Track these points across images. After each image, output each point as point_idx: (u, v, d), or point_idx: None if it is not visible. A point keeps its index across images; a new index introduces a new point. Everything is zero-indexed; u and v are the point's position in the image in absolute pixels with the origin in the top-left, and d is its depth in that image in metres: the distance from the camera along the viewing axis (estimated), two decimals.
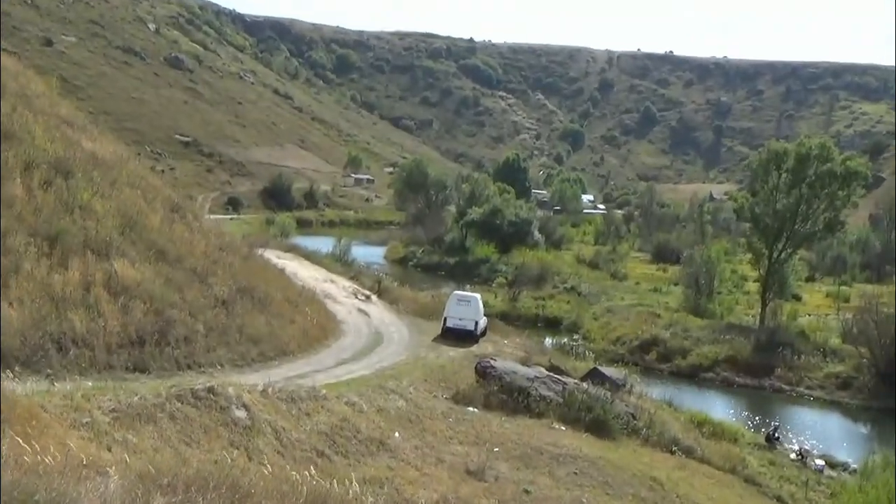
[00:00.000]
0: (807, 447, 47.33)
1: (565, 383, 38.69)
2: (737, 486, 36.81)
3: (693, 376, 66.90)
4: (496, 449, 29.37)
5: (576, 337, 75.22)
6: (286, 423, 24.75)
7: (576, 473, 28.72)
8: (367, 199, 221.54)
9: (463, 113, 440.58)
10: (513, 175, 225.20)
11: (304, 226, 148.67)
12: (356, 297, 57.85)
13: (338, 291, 57.80)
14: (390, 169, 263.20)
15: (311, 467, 19.58)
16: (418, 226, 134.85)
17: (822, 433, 53.58)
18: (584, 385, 39.23)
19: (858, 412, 61.60)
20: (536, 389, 37.19)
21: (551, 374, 40.45)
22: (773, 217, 78.53)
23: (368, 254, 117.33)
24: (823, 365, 66.47)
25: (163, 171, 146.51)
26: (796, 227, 78.58)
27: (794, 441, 49.07)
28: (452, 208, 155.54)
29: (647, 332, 72.44)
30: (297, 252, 72.21)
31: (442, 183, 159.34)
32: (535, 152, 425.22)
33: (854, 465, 45.80)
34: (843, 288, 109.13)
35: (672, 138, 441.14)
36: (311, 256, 71.76)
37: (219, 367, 30.89)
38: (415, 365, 39.81)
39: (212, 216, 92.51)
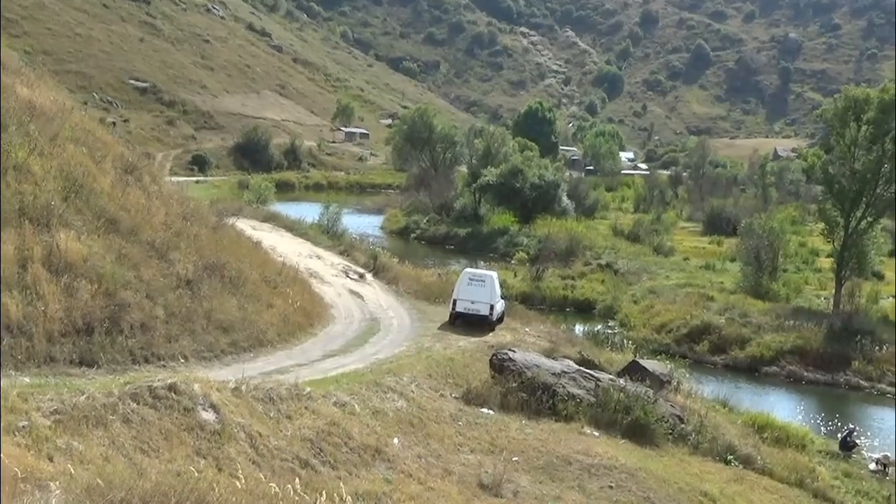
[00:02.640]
0: (889, 455, 47.34)
1: (598, 379, 38.75)
2: (804, 502, 36.89)
3: (753, 370, 66.92)
4: (515, 458, 29.49)
5: (611, 324, 75.34)
6: (263, 427, 24.86)
7: (611, 487, 28.84)
8: (360, 158, 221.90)
9: (476, 53, 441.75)
10: (536, 128, 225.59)
11: (284, 190, 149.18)
12: (347, 276, 57.98)
13: (325, 269, 57.91)
14: (388, 121, 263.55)
15: (294, 480, 19.70)
16: (422, 190, 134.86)
17: None
18: (622, 382, 39.26)
19: None
20: (564, 387, 37.27)
21: (582, 368, 40.49)
22: (851, 179, 78.22)
23: (362, 224, 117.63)
24: None
25: (114, 123, 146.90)
26: (878, 190, 78.28)
27: (874, 448, 49.07)
28: (463, 169, 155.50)
29: (697, 317, 72.40)
30: (276, 222, 72.37)
31: (450, 138, 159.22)
32: (564, 101, 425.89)
33: None
34: None
35: (729, 83, 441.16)
36: (293, 227, 71.91)
37: (182, 361, 31.00)
38: (417, 357, 39.87)
39: (174, 178, 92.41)
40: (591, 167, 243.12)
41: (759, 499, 34.20)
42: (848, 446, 47.76)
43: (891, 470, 45.71)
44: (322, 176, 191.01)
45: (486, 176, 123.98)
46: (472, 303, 49.53)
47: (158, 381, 24.31)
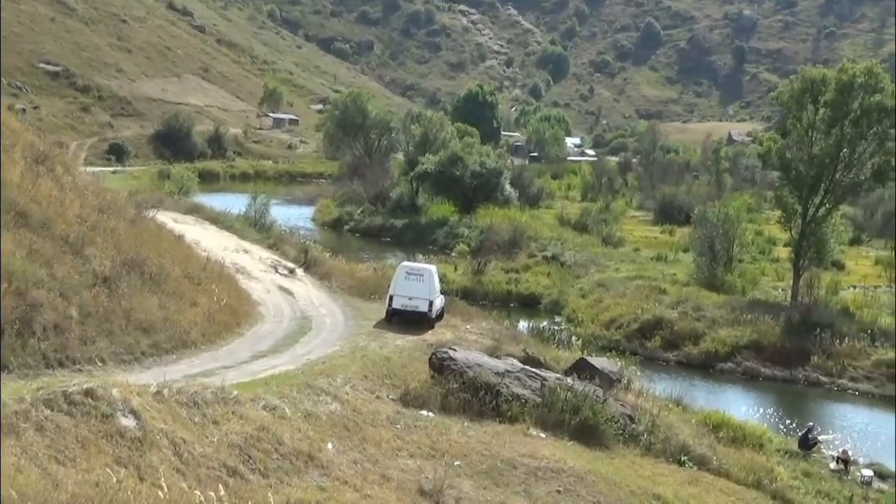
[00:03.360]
0: (850, 453, 47.88)
1: (545, 379, 38.91)
2: None
3: (707, 367, 67.49)
4: (457, 463, 29.56)
5: (558, 319, 75.63)
6: (187, 433, 24.75)
7: (559, 492, 28.98)
8: (289, 146, 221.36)
9: (413, 33, 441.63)
10: (477, 113, 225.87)
11: (208, 180, 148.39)
12: (277, 272, 57.85)
13: (253, 264, 57.75)
14: (319, 106, 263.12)
15: (220, 488, 19.66)
16: (356, 179, 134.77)
17: (871, 436, 54.19)
18: (569, 380, 39.44)
19: None
20: (508, 387, 37.38)
21: (527, 367, 40.65)
22: (809, 163, 78.97)
23: (292, 215, 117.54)
24: (872, 351, 67.25)
25: (24, 110, 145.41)
26: (837, 175, 79.09)
27: (834, 446, 49.60)
28: (400, 156, 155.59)
29: (648, 311, 72.88)
30: (199, 214, 72.05)
31: (386, 124, 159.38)
32: (506, 83, 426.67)
33: None
34: None
35: (680, 64, 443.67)
36: (218, 220, 71.61)
37: (99, 364, 30.81)
38: (352, 358, 39.85)
39: (89, 169, 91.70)
40: (536, 154, 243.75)
41: (714, 501, 34.51)
42: (808, 445, 48.27)
43: (852, 468, 46.28)
44: (249, 165, 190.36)
45: (423, 164, 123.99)
46: (410, 299, 49.48)
47: (74, 385, 24.12)
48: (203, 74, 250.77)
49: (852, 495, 41.26)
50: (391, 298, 49.77)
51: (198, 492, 17.82)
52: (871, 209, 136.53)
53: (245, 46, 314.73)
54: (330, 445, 28.14)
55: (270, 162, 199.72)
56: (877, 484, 44.91)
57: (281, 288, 53.66)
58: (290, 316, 47.67)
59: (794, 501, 38.85)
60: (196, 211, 73.36)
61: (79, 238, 35.88)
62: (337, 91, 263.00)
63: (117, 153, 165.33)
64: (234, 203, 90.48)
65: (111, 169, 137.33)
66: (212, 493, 15.86)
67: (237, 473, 23.85)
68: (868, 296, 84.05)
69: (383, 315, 49.85)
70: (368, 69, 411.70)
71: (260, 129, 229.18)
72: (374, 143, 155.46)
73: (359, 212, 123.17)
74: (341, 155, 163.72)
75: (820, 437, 50.31)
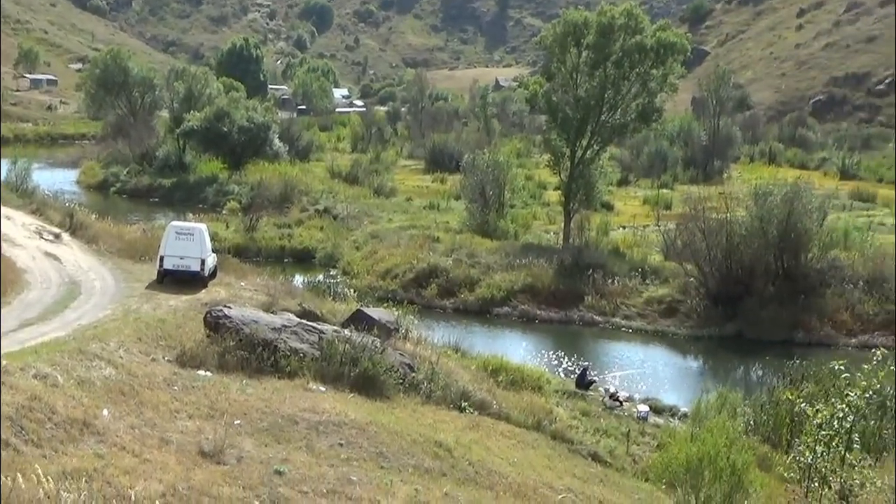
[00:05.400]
0: (618, 390, 49.16)
1: (322, 332, 38.88)
2: (543, 446, 37.92)
3: (484, 312, 68.39)
4: (237, 422, 29.37)
5: (333, 272, 75.63)
6: None
7: (341, 445, 29.03)
8: (49, 107, 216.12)
9: None
10: (242, 67, 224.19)
11: None
12: (41, 238, 56.44)
13: (16, 231, 56.21)
14: (79, 66, 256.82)
15: None
16: (120, 139, 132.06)
17: (645, 372, 55.78)
18: (347, 332, 39.49)
19: (687, 343, 64.52)
20: (285, 342, 37.26)
21: (303, 321, 40.56)
22: (575, 106, 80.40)
23: (55, 179, 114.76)
24: (643, 289, 69.19)
25: None
26: (603, 117, 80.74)
27: (610, 385, 50.82)
28: (165, 114, 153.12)
29: (423, 260, 73.37)
30: None
31: (149, 81, 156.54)
32: (270, 36, 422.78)
33: (684, 409, 47.87)
34: (664, 192, 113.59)
35: (445, 12, 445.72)
36: None
37: None
38: (125, 321, 39.18)
39: None
40: (304, 106, 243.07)
41: (496, 445, 34.99)
42: (584, 384, 49.32)
43: (627, 404, 47.55)
44: (7, 129, 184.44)
45: (189, 121, 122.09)
46: (181, 258, 48.91)
47: None
48: None
49: (629, 431, 42.28)
50: (162, 259, 49.14)
51: None
52: (638, 150, 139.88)
53: None
54: (105, 411, 27.64)
55: (29, 124, 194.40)
56: (652, 419, 46.22)
57: (47, 254, 52.33)
58: (57, 282, 46.59)
59: (573, 440, 39.60)
60: None
61: None
62: (96, 49, 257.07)
63: None
64: None
65: None
66: None
67: (9, 445, 23.27)
68: (637, 235, 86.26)
69: (155, 276, 49.22)
70: (128, 26, 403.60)
71: (17, 90, 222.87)
72: (137, 101, 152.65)
73: (125, 172, 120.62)
74: (104, 115, 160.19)
75: (600, 377, 51.65)
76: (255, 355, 36.09)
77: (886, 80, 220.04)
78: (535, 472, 32.95)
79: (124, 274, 50.53)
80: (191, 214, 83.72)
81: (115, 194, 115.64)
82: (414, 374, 38.97)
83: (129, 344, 35.25)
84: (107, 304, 42.76)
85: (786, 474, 25.57)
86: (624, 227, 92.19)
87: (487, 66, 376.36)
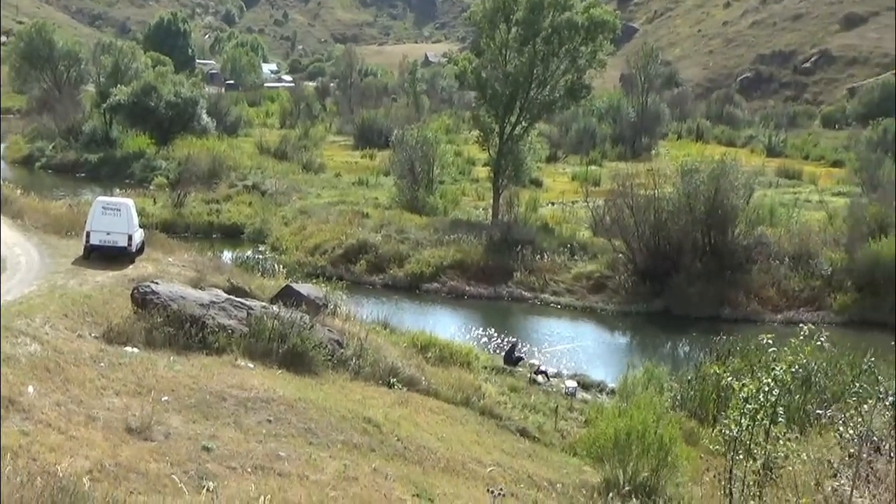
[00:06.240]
0: (546, 366, 49.48)
1: (250, 308, 38.75)
2: (472, 421, 38.06)
3: (413, 288, 68.50)
4: (165, 398, 29.21)
5: (262, 248, 75.42)
6: None
7: (269, 421, 28.98)
8: None
9: None
10: (170, 41, 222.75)
11: None
12: None
13: None
14: (3, 38, 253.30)
15: None
16: (45, 113, 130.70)
17: (574, 348, 56.04)
18: (275, 308, 39.39)
19: (615, 319, 65.03)
20: (213, 318, 37.08)
21: (232, 297, 40.39)
22: (504, 82, 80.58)
23: None
24: (571, 265, 69.62)
25: None
26: (532, 94, 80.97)
27: (538, 361, 51.08)
28: (91, 88, 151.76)
29: (352, 236, 73.32)
30: None
31: (74, 55, 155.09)
32: (198, 10, 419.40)
33: (612, 385, 48.24)
34: (593, 168, 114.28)
35: None
36: None
37: None
38: (50, 297, 38.82)
39: None
40: (232, 81, 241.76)
41: (424, 421, 35.09)
42: (513, 360, 49.50)
43: (555, 380, 47.85)
44: None
45: (116, 95, 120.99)
46: (108, 234, 48.54)
47: None
48: None
49: (557, 406, 42.49)
50: (88, 234, 48.72)
51: None
52: (567, 126, 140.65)
53: None
54: (31, 388, 27.41)
55: None
56: (580, 394, 46.54)
57: None
58: None
59: (501, 416, 39.75)
60: None
61: None
62: (20, 23, 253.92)
63: None
64: None
65: None
66: None
67: None
68: (566, 211, 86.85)
69: (81, 252, 48.82)
70: None
71: None
72: (62, 75, 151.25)
73: (50, 147, 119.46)
74: (29, 89, 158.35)
75: (528, 353, 51.93)
76: (182, 331, 35.85)
77: (812, 58, 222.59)
78: (464, 448, 33.10)
79: (50, 249, 50.04)
80: (118, 190, 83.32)
81: (41, 169, 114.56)
82: (342, 351, 38.93)
83: (55, 320, 34.94)
84: (32, 280, 42.34)
85: (711, 447, 25.81)
86: (553, 204, 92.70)
87: (417, 42, 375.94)
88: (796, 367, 23.09)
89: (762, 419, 22.40)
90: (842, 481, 20.06)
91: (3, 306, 35.67)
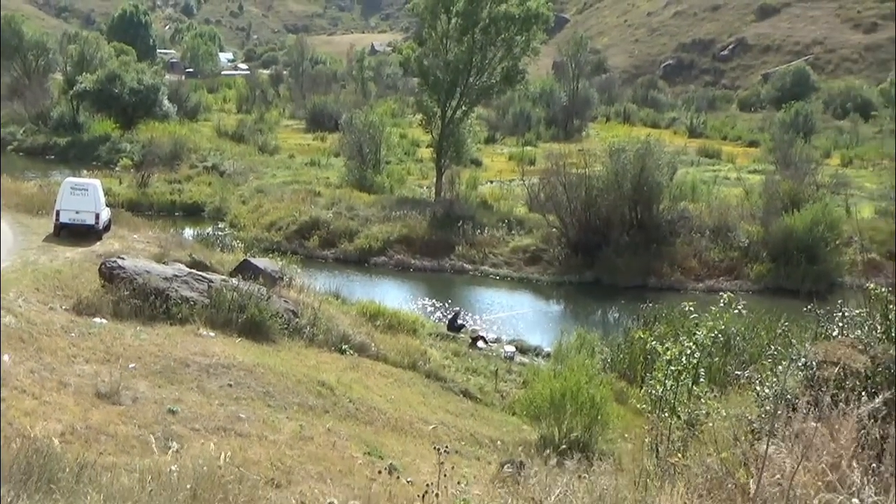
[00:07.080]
0: (482, 331, 49.79)
1: (211, 281, 38.65)
2: (418, 384, 38.18)
3: (363, 262, 68.35)
4: (132, 365, 29.12)
5: (222, 225, 75.09)
6: None
7: (230, 385, 28.96)
8: None
9: None
10: (132, 32, 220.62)
11: None
12: None
13: None
14: None
15: None
16: (16, 100, 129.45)
17: (512, 316, 56.35)
18: (234, 281, 39.33)
19: (550, 289, 65.26)
20: (176, 290, 36.96)
21: (194, 271, 40.27)
22: (445, 70, 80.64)
23: None
24: (509, 239, 69.76)
25: None
26: (471, 80, 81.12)
27: (479, 328, 51.33)
28: (58, 76, 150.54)
29: (305, 213, 73.10)
30: None
31: (42, 45, 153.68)
32: (159, 3, 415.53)
33: (547, 349, 48.47)
34: (528, 148, 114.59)
35: None
36: None
37: None
38: (23, 272, 38.56)
39: None
40: (191, 69, 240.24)
41: (374, 383, 35.18)
42: (455, 327, 49.73)
43: (495, 345, 48.09)
44: None
45: (82, 83, 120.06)
46: (77, 213, 48.42)
47: None
48: None
49: (497, 369, 42.66)
50: (58, 213, 48.63)
51: None
52: (504, 110, 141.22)
53: None
54: (6, 357, 27.26)
55: None
56: (518, 358, 46.72)
57: None
58: None
59: (445, 379, 39.87)
60: None
61: None
62: None
63: None
64: None
65: None
66: None
67: None
68: (504, 189, 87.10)
69: (52, 230, 48.58)
70: None
71: None
72: (31, 64, 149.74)
73: (21, 132, 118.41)
74: None
75: (470, 320, 52.20)
76: (148, 303, 35.76)
77: (730, 47, 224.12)
78: (411, 408, 33.22)
79: (22, 227, 49.70)
80: (85, 171, 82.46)
81: (13, 152, 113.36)
82: (297, 320, 38.95)
83: (28, 294, 34.73)
84: (5, 257, 42.02)
85: (639, 406, 26.06)
86: (491, 182, 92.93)
87: (364, 33, 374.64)
88: (716, 331, 23.32)
89: (685, 379, 22.63)
90: (760, 437, 20.36)
91: None
